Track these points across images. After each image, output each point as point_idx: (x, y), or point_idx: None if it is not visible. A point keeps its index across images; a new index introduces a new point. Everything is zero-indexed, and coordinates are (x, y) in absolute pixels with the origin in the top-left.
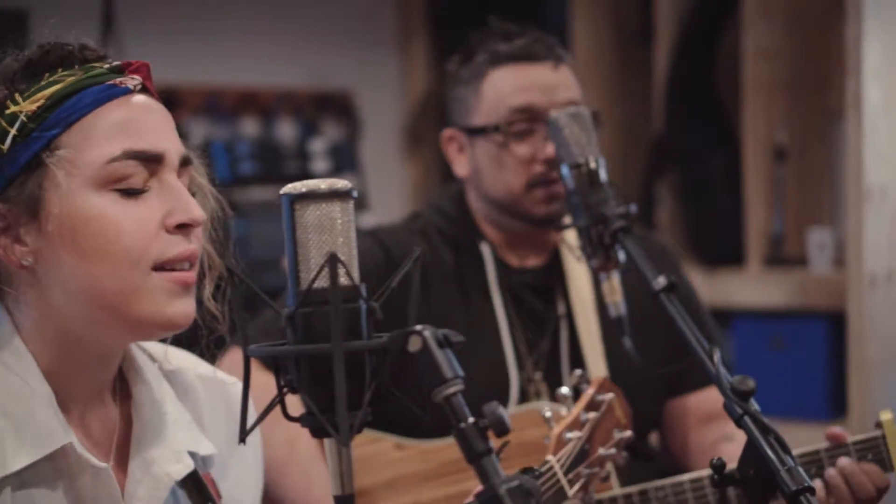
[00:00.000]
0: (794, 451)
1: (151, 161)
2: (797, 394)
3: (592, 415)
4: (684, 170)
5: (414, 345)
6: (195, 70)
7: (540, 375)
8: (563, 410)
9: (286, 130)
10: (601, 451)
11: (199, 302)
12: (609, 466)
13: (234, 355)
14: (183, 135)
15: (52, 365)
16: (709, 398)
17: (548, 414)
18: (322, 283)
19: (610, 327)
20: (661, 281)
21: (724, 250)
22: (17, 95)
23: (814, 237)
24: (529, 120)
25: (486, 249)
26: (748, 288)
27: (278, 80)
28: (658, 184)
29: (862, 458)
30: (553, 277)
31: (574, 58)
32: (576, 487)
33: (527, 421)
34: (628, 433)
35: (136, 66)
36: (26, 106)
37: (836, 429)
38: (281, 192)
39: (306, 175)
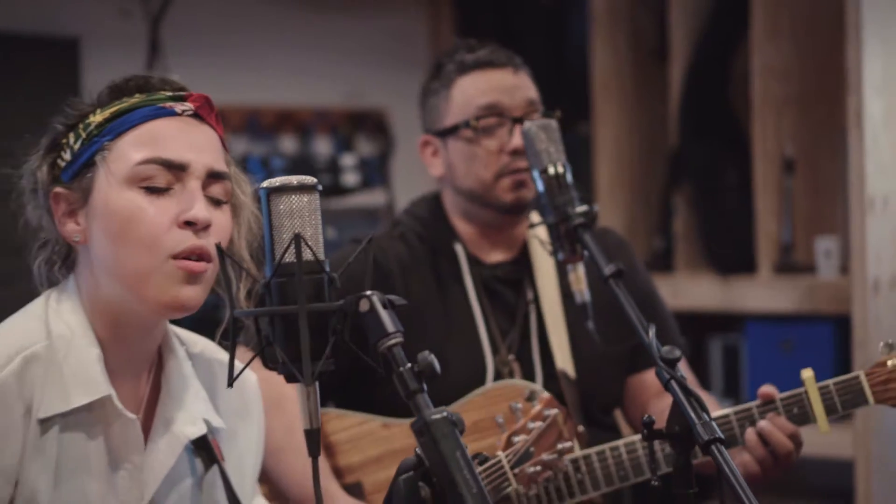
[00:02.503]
0: (732, 409)
1: (175, 168)
2: None
3: (538, 425)
4: (698, 181)
5: (363, 306)
6: (236, 91)
7: (512, 357)
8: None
9: (322, 147)
10: (544, 455)
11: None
12: (555, 472)
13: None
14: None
15: (102, 333)
16: None
17: (500, 420)
18: (292, 258)
19: (574, 313)
20: (610, 268)
21: (736, 258)
22: (97, 111)
23: (821, 245)
24: (495, 116)
25: (459, 248)
26: (759, 294)
27: (315, 99)
28: (674, 194)
29: (788, 412)
30: (522, 270)
31: (595, 76)
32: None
33: (499, 397)
34: (570, 444)
35: (195, 97)
36: (96, 118)
37: (767, 387)
38: (260, 185)
39: (338, 188)
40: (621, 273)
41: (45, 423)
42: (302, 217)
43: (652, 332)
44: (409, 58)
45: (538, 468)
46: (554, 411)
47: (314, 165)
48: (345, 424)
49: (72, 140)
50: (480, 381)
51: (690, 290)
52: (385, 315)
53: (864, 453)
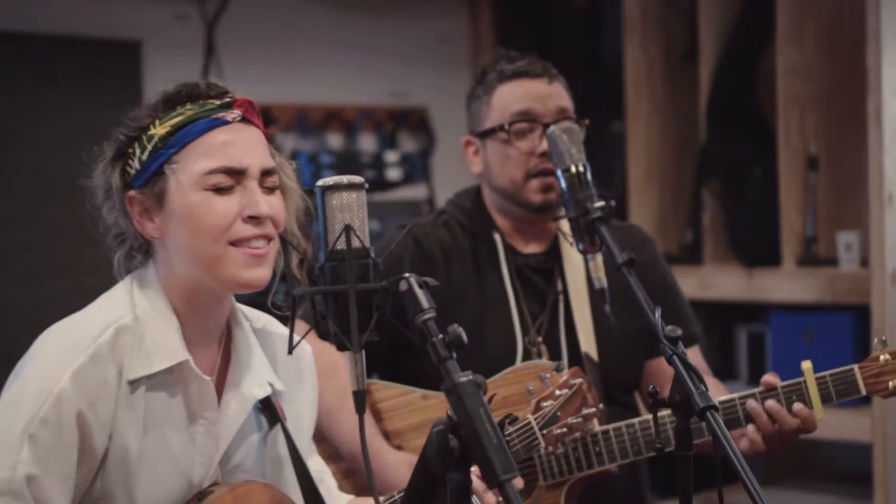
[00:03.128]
0: (736, 394)
1: (236, 173)
2: None
3: (565, 392)
4: (725, 177)
5: (403, 286)
6: (286, 90)
7: (540, 340)
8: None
9: (367, 143)
10: (570, 419)
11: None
12: (578, 434)
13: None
14: (277, 149)
15: (180, 307)
16: None
17: (531, 387)
18: (343, 245)
19: (599, 303)
20: (623, 256)
21: (761, 251)
22: (157, 122)
23: (842, 239)
24: (527, 121)
25: (497, 237)
26: (783, 285)
27: (361, 98)
28: (702, 190)
29: (788, 399)
30: (553, 261)
31: (628, 76)
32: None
33: (527, 375)
34: (593, 410)
35: (240, 102)
36: (159, 130)
37: (769, 376)
38: (316, 184)
39: (382, 182)
40: (633, 262)
41: (134, 384)
42: (351, 211)
43: (658, 313)
44: (450, 59)
45: (564, 430)
46: (579, 380)
47: (359, 161)
48: (389, 394)
49: (138, 151)
50: (511, 357)
51: (718, 281)
52: (421, 294)
53: (881, 437)
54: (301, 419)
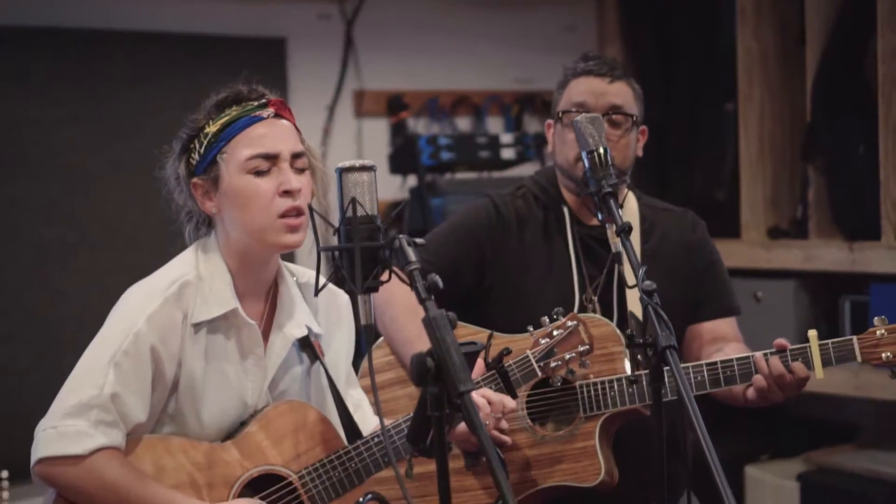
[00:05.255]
0: (750, 353)
1: (271, 157)
2: None
3: (560, 332)
4: (829, 155)
5: (396, 244)
6: (418, 78)
7: (596, 298)
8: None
9: (493, 126)
10: (566, 354)
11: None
12: (575, 368)
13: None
14: (408, 131)
15: (233, 267)
16: (716, 326)
17: (530, 329)
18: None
19: (649, 273)
20: (623, 225)
21: (862, 225)
22: (210, 122)
23: None
24: (581, 111)
25: (565, 210)
26: (883, 258)
27: (488, 83)
28: (807, 167)
29: (794, 360)
30: None
31: (740, 60)
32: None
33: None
34: (586, 347)
35: (274, 102)
36: (212, 129)
37: (781, 340)
38: (336, 167)
39: (498, 161)
40: (628, 229)
41: (197, 326)
42: (363, 187)
43: (642, 271)
44: (577, 46)
45: (559, 363)
46: (574, 323)
47: (476, 142)
48: (463, 333)
49: (197, 146)
50: (569, 310)
51: (822, 254)
52: (409, 250)
53: None
54: (338, 355)
